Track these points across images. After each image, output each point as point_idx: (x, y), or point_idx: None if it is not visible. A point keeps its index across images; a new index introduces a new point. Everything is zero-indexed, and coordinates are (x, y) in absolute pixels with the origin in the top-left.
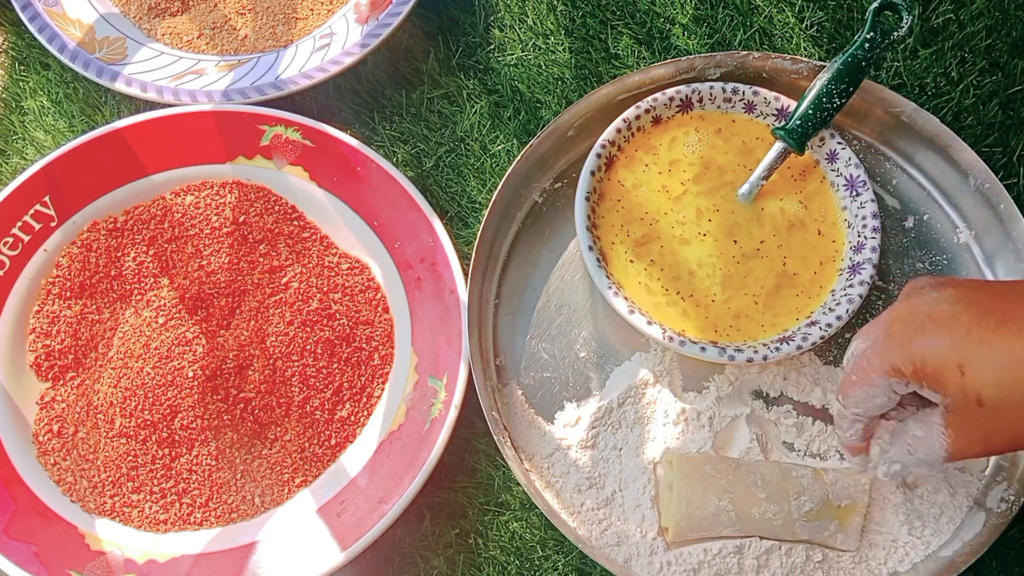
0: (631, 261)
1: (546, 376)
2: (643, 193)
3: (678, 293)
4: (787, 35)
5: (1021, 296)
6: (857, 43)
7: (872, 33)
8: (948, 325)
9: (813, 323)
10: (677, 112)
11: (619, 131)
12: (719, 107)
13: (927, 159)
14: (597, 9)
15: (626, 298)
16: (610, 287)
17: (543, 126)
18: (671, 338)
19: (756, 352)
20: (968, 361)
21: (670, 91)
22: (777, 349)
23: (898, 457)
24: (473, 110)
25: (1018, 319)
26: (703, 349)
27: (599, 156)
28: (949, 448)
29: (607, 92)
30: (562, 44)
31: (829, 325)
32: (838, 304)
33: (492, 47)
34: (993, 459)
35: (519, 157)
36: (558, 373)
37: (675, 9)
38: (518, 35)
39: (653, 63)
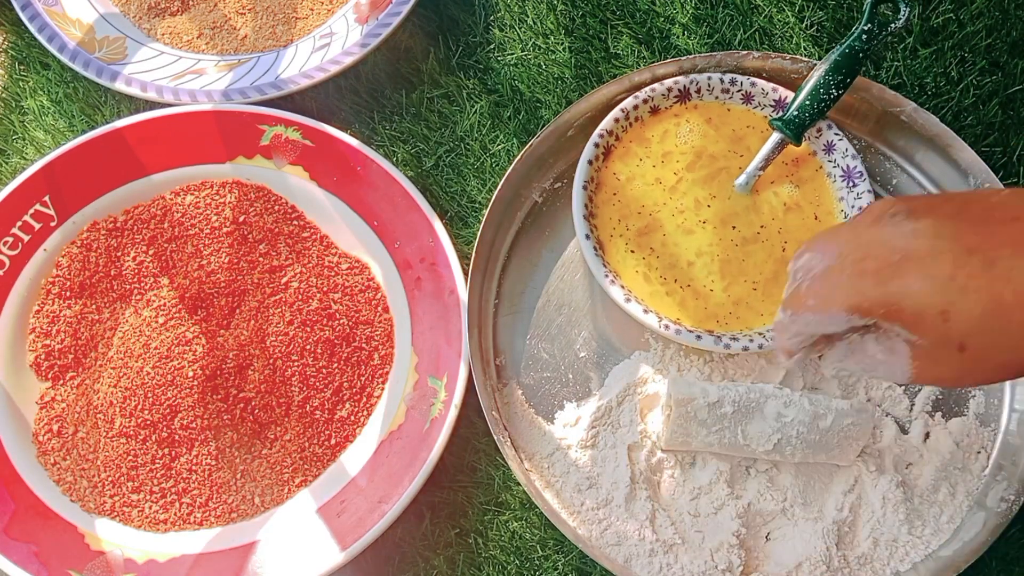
0: (631, 252)
1: (546, 376)
2: (637, 187)
3: (676, 282)
4: (787, 35)
5: (1003, 223)
6: (855, 35)
7: (870, 25)
8: (928, 266)
9: None
10: (675, 102)
11: (617, 121)
12: (717, 97)
13: (927, 159)
14: (597, 9)
15: (623, 287)
16: (607, 275)
17: (543, 126)
18: (667, 326)
19: (752, 341)
20: (952, 307)
21: (668, 81)
22: (773, 338)
23: (852, 370)
24: (473, 110)
25: (1005, 259)
26: (699, 338)
27: (597, 145)
28: (911, 377)
29: (608, 92)
30: (562, 44)
31: None
32: None
33: (492, 47)
34: (993, 458)
35: (519, 157)
36: (558, 373)
37: (675, 9)
38: (518, 35)
39: (653, 63)
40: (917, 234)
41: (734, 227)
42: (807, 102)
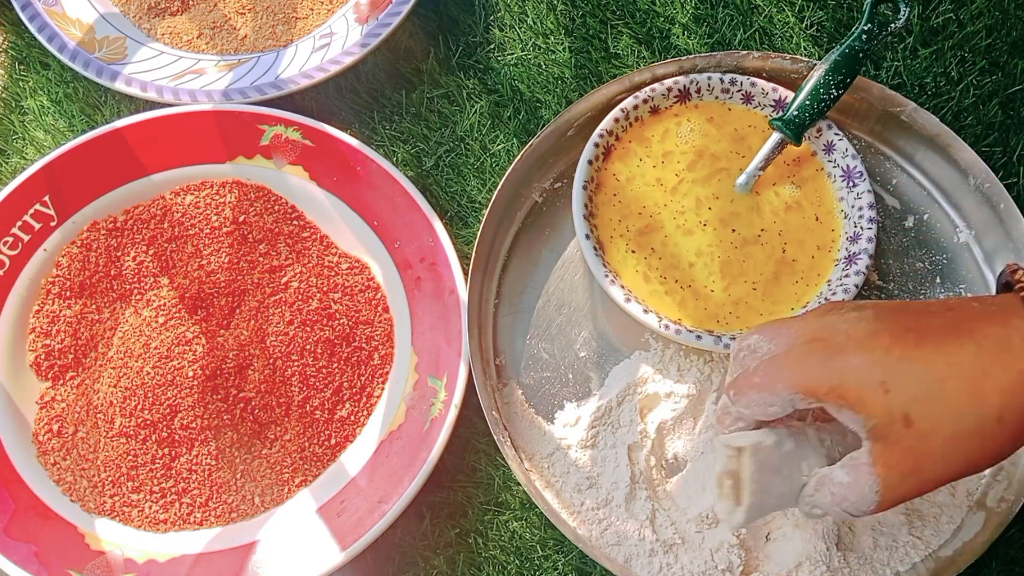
0: (632, 252)
1: (546, 376)
2: (637, 187)
3: (676, 282)
4: (787, 35)
5: (935, 314)
6: (855, 35)
7: (870, 25)
8: (868, 343)
9: None
10: (675, 102)
11: (617, 120)
12: (717, 97)
13: (927, 159)
14: (597, 9)
15: (623, 287)
16: (607, 275)
17: (543, 126)
18: (667, 326)
19: None
20: (891, 378)
21: (668, 81)
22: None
23: (824, 506)
24: (473, 110)
25: (936, 334)
26: (699, 337)
27: (597, 145)
28: (880, 490)
29: (607, 92)
30: (562, 44)
31: None
32: (834, 294)
33: (492, 47)
34: None
35: (519, 157)
36: (558, 373)
37: (675, 8)
38: (518, 35)
39: (653, 62)
40: (859, 320)
41: (734, 229)
42: (807, 102)
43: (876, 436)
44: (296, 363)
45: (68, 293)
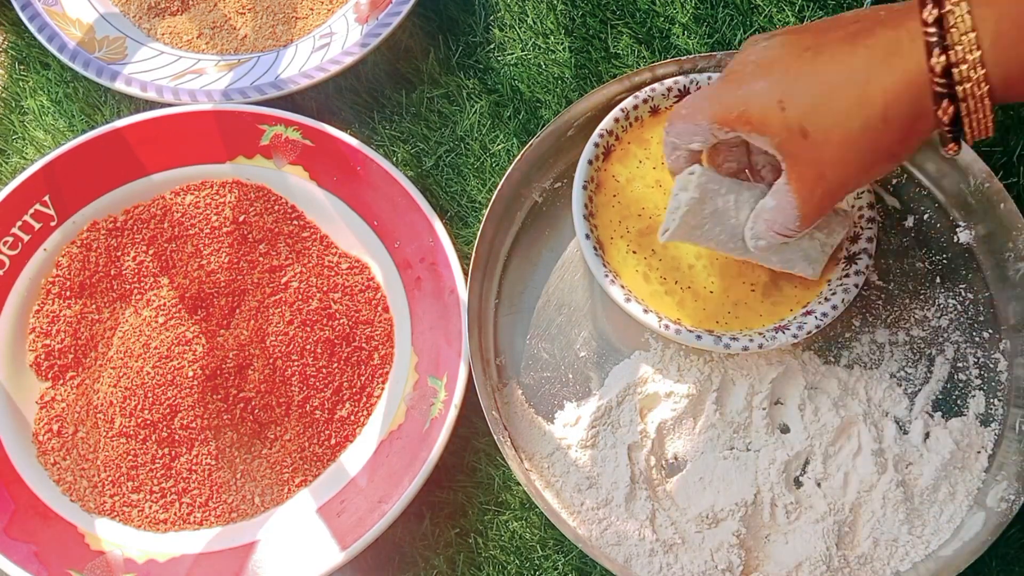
0: (633, 252)
1: (546, 376)
2: (637, 188)
3: (676, 283)
4: None
5: (841, 27)
6: None
7: None
8: (771, 68)
9: (809, 312)
10: (675, 102)
11: (617, 120)
12: None
13: (927, 159)
14: (597, 9)
15: (623, 286)
16: (607, 275)
17: (543, 126)
18: (667, 326)
19: (752, 340)
20: (787, 96)
21: (668, 81)
22: (773, 338)
23: (761, 233)
24: (473, 110)
25: (832, 47)
26: (699, 337)
27: (597, 145)
28: (798, 204)
29: (608, 92)
30: (562, 44)
31: (824, 315)
32: (834, 294)
33: (492, 46)
34: (993, 458)
35: (519, 157)
36: (558, 373)
37: (675, 8)
38: (518, 34)
39: (653, 63)
40: (768, 48)
41: None
42: None
43: (784, 154)
44: (296, 363)
45: (68, 293)
